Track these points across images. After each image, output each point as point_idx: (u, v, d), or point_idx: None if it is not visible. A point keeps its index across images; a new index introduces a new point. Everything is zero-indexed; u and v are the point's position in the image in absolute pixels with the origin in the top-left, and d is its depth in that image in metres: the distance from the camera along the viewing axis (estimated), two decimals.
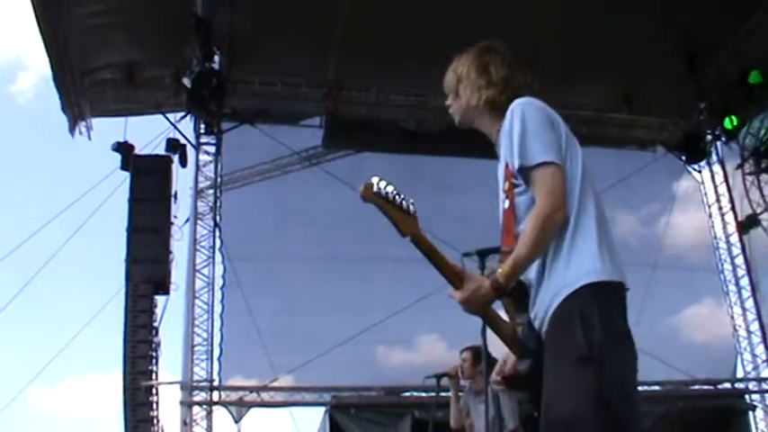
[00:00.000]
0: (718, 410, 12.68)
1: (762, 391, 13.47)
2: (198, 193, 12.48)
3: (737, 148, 13.94)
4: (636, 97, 13.58)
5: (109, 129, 12.57)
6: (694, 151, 14.37)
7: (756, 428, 13.10)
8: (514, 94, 3.09)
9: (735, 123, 13.28)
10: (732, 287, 14.15)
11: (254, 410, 11.75)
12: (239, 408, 11.62)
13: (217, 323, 11.84)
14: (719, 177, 14.70)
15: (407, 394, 12.12)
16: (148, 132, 12.51)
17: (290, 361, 11.83)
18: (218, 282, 12.07)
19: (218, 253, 12.18)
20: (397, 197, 2.80)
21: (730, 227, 14.40)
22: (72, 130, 12.12)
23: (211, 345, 11.71)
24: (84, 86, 11.81)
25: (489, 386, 6.04)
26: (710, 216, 14.66)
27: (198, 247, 12.18)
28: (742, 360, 13.67)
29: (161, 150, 12.16)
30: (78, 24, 10.80)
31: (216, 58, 11.64)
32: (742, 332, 13.81)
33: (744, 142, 13.80)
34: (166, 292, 11.49)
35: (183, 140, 12.40)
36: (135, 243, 11.23)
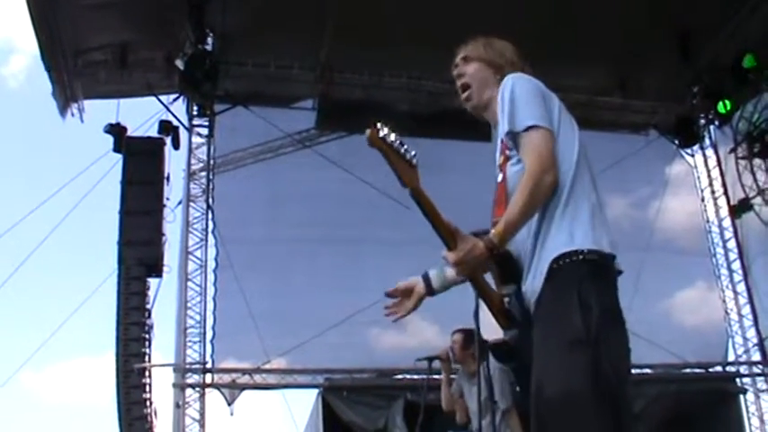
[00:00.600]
0: (709, 394, 12.74)
1: (752, 375, 13.54)
2: (190, 176, 12.47)
3: (731, 132, 13.95)
4: (629, 81, 13.58)
5: (101, 111, 12.53)
6: (687, 135, 14.39)
7: (747, 412, 13.19)
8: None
9: (728, 107, 13.29)
10: (724, 271, 14.21)
11: (246, 393, 11.78)
12: (232, 390, 11.65)
13: (209, 305, 11.86)
14: (712, 161, 14.73)
15: (400, 377, 12.14)
16: (141, 114, 12.48)
17: (283, 343, 11.84)
18: (211, 264, 12.08)
19: (210, 235, 12.19)
20: (400, 146, 2.72)
21: (723, 211, 14.44)
22: (63, 112, 12.06)
23: (204, 327, 11.73)
24: (76, 67, 11.75)
25: (482, 368, 6.07)
26: (703, 200, 14.69)
27: (190, 229, 12.17)
28: (733, 344, 13.74)
29: (153, 132, 12.12)
30: (71, 5, 10.74)
31: (209, 39, 11.60)
32: (733, 316, 13.87)
33: (737, 126, 13.81)
34: (159, 274, 11.47)
35: (175, 122, 12.37)
36: (128, 225, 11.20)
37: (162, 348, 12.18)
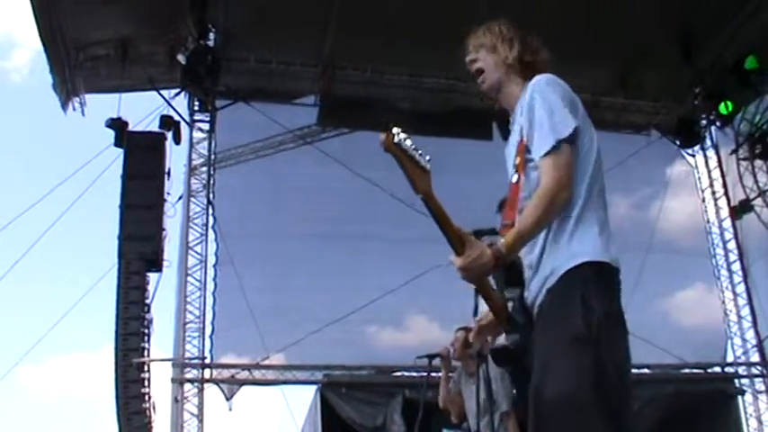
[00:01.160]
0: (708, 394, 12.75)
1: (751, 376, 13.53)
2: (191, 171, 12.48)
3: (732, 133, 13.95)
4: (631, 81, 13.57)
5: (103, 105, 12.52)
6: (688, 136, 14.38)
7: (745, 413, 13.18)
8: (537, 63, 3.16)
9: (730, 109, 13.29)
10: (724, 272, 14.21)
11: (245, 388, 11.79)
12: (231, 385, 11.65)
13: (209, 300, 11.89)
14: (713, 162, 14.72)
15: (399, 374, 12.15)
16: (142, 109, 12.48)
17: (282, 339, 11.85)
18: (211, 259, 12.10)
19: (210, 230, 12.20)
20: (414, 151, 2.71)
21: (723, 212, 14.43)
22: (65, 106, 12.07)
23: (203, 322, 11.74)
24: (78, 61, 11.75)
25: (481, 368, 6.07)
26: (704, 201, 14.68)
27: (191, 224, 12.18)
28: (732, 345, 13.75)
29: (155, 127, 12.10)
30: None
31: (211, 35, 11.61)
32: (732, 317, 13.86)
33: (739, 127, 13.81)
34: (159, 269, 11.47)
35: (177, 117, 12.36)
36: (128, 220, 11.19)
37: (161, 343, 12.20)
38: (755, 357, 13.49)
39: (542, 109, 2.91)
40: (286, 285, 12.39)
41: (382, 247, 12.43)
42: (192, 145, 12.58)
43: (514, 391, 2.93)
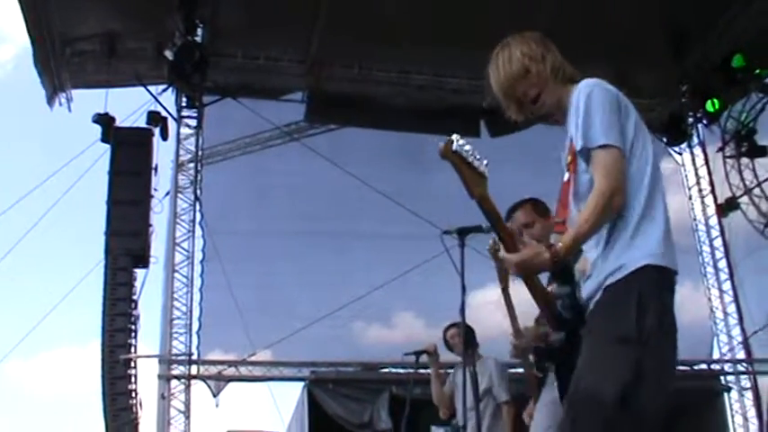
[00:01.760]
0: (694, 391, 12.76)
1: (737, 373, 13.59)
2: (179, 167, 12.45)
3: (719, 131, 13.97)
4: (626, 78, 13.58)
5: (90, 100, 12.47)
6: (675, 133, 14.38)
7: (731, 410, 13.23)
8: (568, 69, 3.18)
9: (717, 106, 13.32)
10: (710, 269, 14.23)
11: (232, 385, 11.78)
12: (218, 382, 11.65)
13: (196, 297, 11.85)
14: (700, 160, 14.74)
15: (385, 371, 12.16)
16: (129, 104, 12.42)
17: (269, 336, 11.85)
18: (198, 255, 12.07)
19: (198, 226, 12.16)
20: (472, 157, 2.78)
21: (710, 209, 14.45)
22: (51, 101, 12.01)
23: (190, 318, 11.72)
24: (64, 57, 11.70)
25: (467, 359, 6.12)
26: (690, 198, 14.70)
27: (178, 220, 12.15)
28: (718, 342, 13.78)
29: (142, 123, 12.06)
30: None
31: (199, 30, 11.57)
32: (719, 314, 13.90)
33: (725, 125, 13.83)
34: (146, 265, 11.42)
35: (164, 113, 12.31)
36: (115, 216, 11.14)
37: (148, 339, 12.17)
38: (741, 354, 13.52)
39: (585, 113, 2.93)
40: (273, 282, 12.40)
41: (369, 244, 12.44)
42: (179, 141, 12.54)
43: (556, 385, 2.96)
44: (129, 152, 11.59)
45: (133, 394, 10.70)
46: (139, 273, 11.34)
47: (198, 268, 11.99)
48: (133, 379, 10.76)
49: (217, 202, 12.44)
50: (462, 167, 2.76)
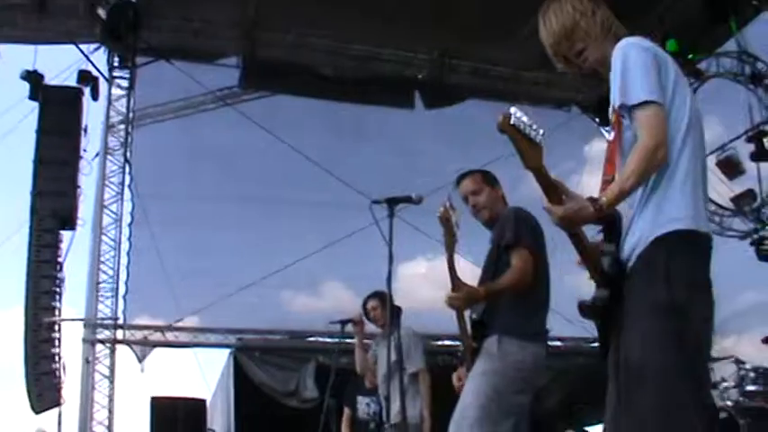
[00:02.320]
0: None
1: None
2: (109, 128, 12.27)
3: None
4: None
5: (18, 57, 12.17)
6: (607, 114, 14.53)
7: None
8: (617, 26, 3.27)
9: None
10: None
11: (157, 350, 11.74)
12: (143, 347, 11.59)
13: (123, 260, 11.73)
14: None
15: (312, 339, 12.21)
16: (60, 62, 12.14)
17: (196, 302, 11.82)
18: (126, 219, 11.91)
19: (127, 189, 12.01)
20: (528, 128, 2.81)
21: None
22: None
23: (117, 282, 11.62)
24: None
25: (391, 330, 6.18)
26: None
27: (107, 182, 12.00)
28: None
29: (72, 82, 11.82)
30: None
31: None
32: None
33: None
34: (73, 227, 11.24)
35: (95, 73, 12.08)
36: (42, 175, 10.93)
37: (73, 303, 12.03)
38: None
39: (623, 72, 3.00)
40: (202, 247, 12.32)
41: (299, 212, 12.38)
42: (110, 102, 12.34)
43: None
44: (57, 111, 11.34)
45: (56, 358, 10.57)
46: (66, 235, 11.17)
47: (126, 231, 11.84)
48: (57, 343, 10.62)
49: (147, 166, 12.26)
50: (520, 140, 2.80)
